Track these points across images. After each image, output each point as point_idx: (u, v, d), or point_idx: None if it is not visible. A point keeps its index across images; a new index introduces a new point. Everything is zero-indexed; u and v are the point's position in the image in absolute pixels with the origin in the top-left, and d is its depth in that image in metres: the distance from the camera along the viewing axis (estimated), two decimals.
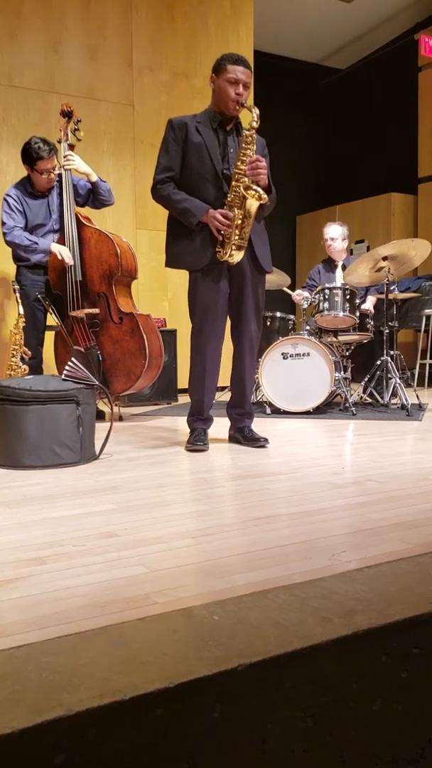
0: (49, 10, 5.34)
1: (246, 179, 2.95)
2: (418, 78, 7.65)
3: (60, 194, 4.12)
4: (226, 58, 3.01)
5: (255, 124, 2.96)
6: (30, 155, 3.97)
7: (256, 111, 2.95)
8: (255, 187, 2.93)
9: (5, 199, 4.07)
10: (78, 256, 4.04)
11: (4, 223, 4.01)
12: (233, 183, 2.98)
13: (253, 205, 2.95)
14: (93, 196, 4.17)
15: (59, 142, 4.13)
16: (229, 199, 2.99)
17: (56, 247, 3.99)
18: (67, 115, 4.18)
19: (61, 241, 4.07)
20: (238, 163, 2.97)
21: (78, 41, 5.48)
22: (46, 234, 4.11)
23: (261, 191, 2.92)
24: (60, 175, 4.10)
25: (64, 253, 3.97)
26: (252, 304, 3.15)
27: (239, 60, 2.99)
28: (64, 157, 4.04)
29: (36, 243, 3.99)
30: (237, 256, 3.00)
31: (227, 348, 3.20)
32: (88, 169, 4.09)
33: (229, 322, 3.21)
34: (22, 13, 5.25)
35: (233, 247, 2.98)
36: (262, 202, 2.95)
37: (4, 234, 4.01)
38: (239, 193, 2.95)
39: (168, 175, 3.06)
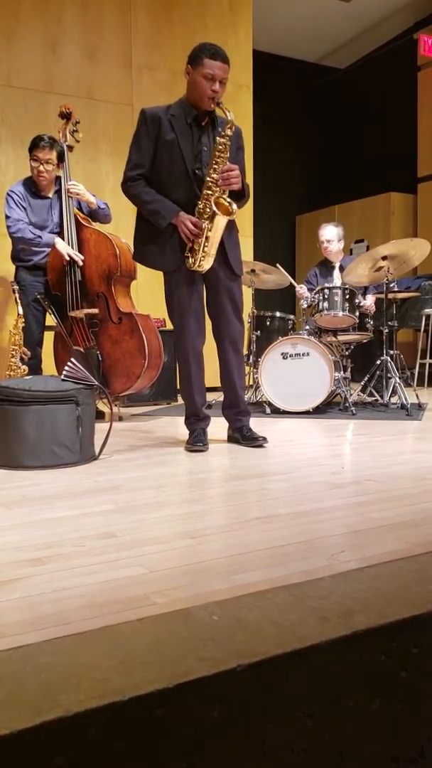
0: (46, 11, 5.34)
1: (218, 190, 2.92)
2: (417, 77, 7.65)
3: (60, 198, 4.13)
4: (204, 51, 2.89)
5: (229, 132, 2.91)
6: (31, 143, 4.03)
7: (230, 115, 2.88)
8: (226, 199, 2.91)
9: (9, 195, 4.08)
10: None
11: (8, 217, 4.01)
12: (205, 191, 2.95)
13: (221, 221, 2.94)
14: (90, 216, 4.19)
15: (69, 149, 4.13)
16: (200, 206, 2.96)
17: (62, 246, 3.98)
18: (66, 116, 4.18)
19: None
20: (210, 171, 2.93)
21: (76, 42, 5.48)
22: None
23: (232, 205, 2.90)
24: (59, 177, 4.10)
25: (71, 252, 3.96)
26: (228, 305, 3.11)
27: (217, 54, 2.88)
28: (69, 186, 4.04)
29: (39, 237, 4.00)
30: (206, 265, 2.99)
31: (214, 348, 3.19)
32: (90, 198, 4.11)
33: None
34: (20, 14, 5.25)
35: (201, 256, 2.96)
36: (231, 218, 2.94)
37: (9, 227, 4.01)
38: (209, 205, 2.92)
39: (139, 172, 3.01)
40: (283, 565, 1.49)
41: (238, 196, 3.03)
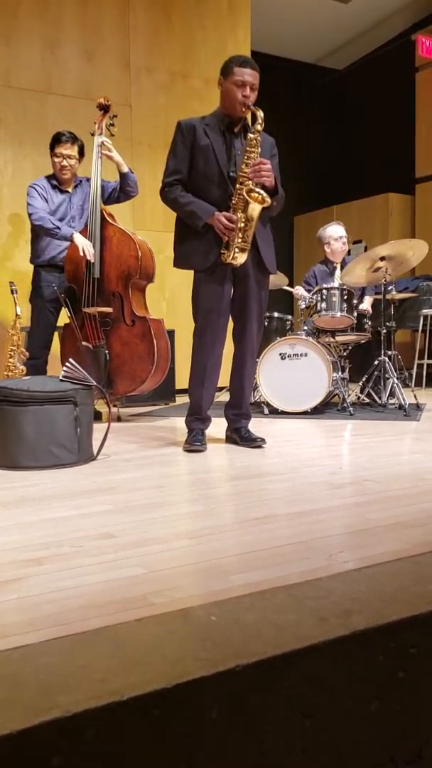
0: (45, 11, 5.34)
1: (250, 182, 2.96)
2: (415, 78, 7.66)
3: (81, 195, 4.13)
4: (234, 60, 3.02)
5: (259, 127, 2.96)
6: (52, 139, 4.05)
7: (260, 113, 2.95)
8: (258, 189, 2.94)
9: (32, 186, 4.08)
10: (98, 252, 4.03)
11: (30, 205, 4.02)
12: (237, 186, 3.00)
13: (255, 208, 2.97)
14: (120, 188, 4.18)
15: (92, 134, 4.12)
16: (233, 201, 3.01)
17: (79, 239, 3.95)
18: (104, 108, 4.16)
19: (84, 235, 4.06)
20: (242, 166, 2.98)
21: (75, 42, 5.48)
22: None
23: (264, 194, 2.93)
24: (80, 179, 4.13)
25: (87, 248, 3.95)
26: (255, 306, 3.17)
27: (246, 62, 3.01)
28: (101, 144, 4.04)
29: (58, 228, 3.98)
30: (240, 258, 3.03)
31: (227, 349, 3.21)
32: (120, 158, 4.11)
33: (231, 324, 3.22)
34: (19, 15, 5.25)
35: (236, 249, 3.00)
36: (264, 205, 2.97)
37: (30, 215, 4.00)
38: (243, 197, 2.98)
39: (176, 177, 3.09)
40: (282, 565, 1.50)
41: (271, 194, 3.06)
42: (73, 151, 4.03)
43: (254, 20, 6.46)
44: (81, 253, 3.92)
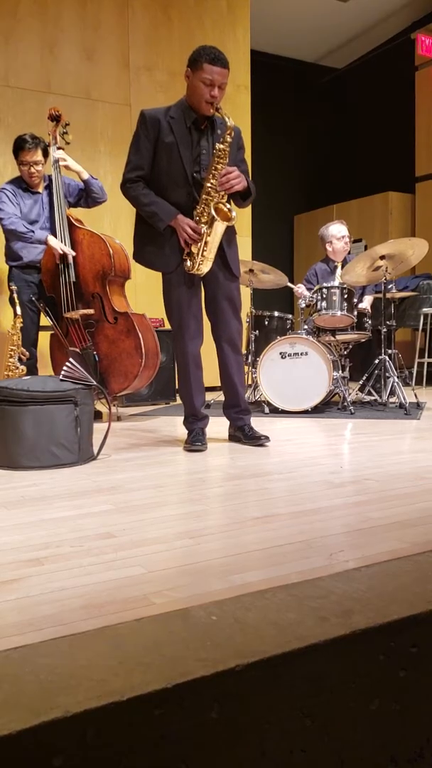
0: (44, 11, 5.34)
1: (217, 195, 2.93)
2: (414, 77, 7.65)
3: (50, 194, 4.13)
4: (204, 55, 2.85)
5: (229, 138, 2.90)
6: (15, 146, 4.05)
7: (230, 122, 2.89)
8: (225, 206, 2.92)
9: (2, 191, 4.08)
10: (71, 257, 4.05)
11: (0, 210, 4.01)
12: (204, 196, 2.96)
13: (220, 227, 2.95)
14: (86, 195, 4.19)
15: (49, 146, 4.14)
16: (198, 210, 2.97)
17: (54, 242, 3.97)
18: (55, 119, 4.20)
19: None
20: (209, 177, 2.93)
21: (74, 42, 5.47)
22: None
23: (232, 212, 2.92)
24: (50, 177, 4.11)
25: (64, 248, 3.96)
26: (227, 305, 3.13)
27: (216, 59, 2.84)
28: (57, 158, 4.06)
29: (32, 231, 4.00)
30: (204, 269, 3.01)
31: (212, 348, 3.20)
32: (78, 167, 4.12)
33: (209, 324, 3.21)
34: (18, 14, 5.24)
35: (200, 260, 2.98)
36: (230, 224, 2.96)
37: (1, 219, 4.01)
38: (209, 212, 2.94)
39: (138, 174, 3.02)
40: (282, 564, 1.49)
41: (245, 196, 3.05)
42: (38, 155, 4.02)
43: (254, 19, 6.45)
44: (60, 252, 3.94)
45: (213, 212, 2.92)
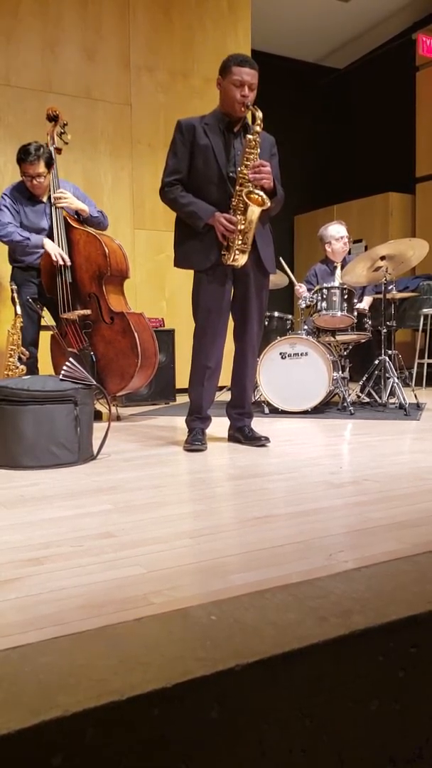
0: (45, 10, 5.34)
1: (249, 184, 2.97)
2: (415, 77, 7.65)
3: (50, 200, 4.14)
4: (232, 60, 3.01)
5: (258, 128, 2.97)
6: (18, 155, 4.03)
7: (259, 114, 2.95)
8: (257, 191, 2.95)
9: (1, 197, 4.08)
10: (68, 258, 4.04)
11: None
12: (237, 188, 3.01)
13: (254, 211, 2.98)
14: (85, 221, 4.19)
15: (46, 145, 4.13)
16: (233, 203, 3.02)
17: (50, 246, 3.98)
18: (53, 119, 4.20)
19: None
20: (242, 168, 2.99)
21: (75, 42, 5.47)
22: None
23: (263, 195, 2.94)
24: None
25: (60, 253, 3.96)
26: (255, 306, 3.19)
27: (245, 61, 3.00)
28: (56, 197, 4.04)
29: (28, 238, 4.01)
30: (241, 260, 3.04)
31: (228, 348, 3.21)
32: (81, 205, 4.11)
33: (231, 323, 3.23)
34: (19, 14, 5.24)
35: (237, 251, 3.01)
36: (263, 207, 2.98)
37: None
38: (242, 199, 2.98)
39: (175, 177, 3.09)
40: (282, 565, 1.49)
41: (270, 196, 3.07)
42: (40, 168, 3.97)
43: (254, 19, 6.45)
44: (55, 259, 3.94)
45: (245, 198, 2.96)
